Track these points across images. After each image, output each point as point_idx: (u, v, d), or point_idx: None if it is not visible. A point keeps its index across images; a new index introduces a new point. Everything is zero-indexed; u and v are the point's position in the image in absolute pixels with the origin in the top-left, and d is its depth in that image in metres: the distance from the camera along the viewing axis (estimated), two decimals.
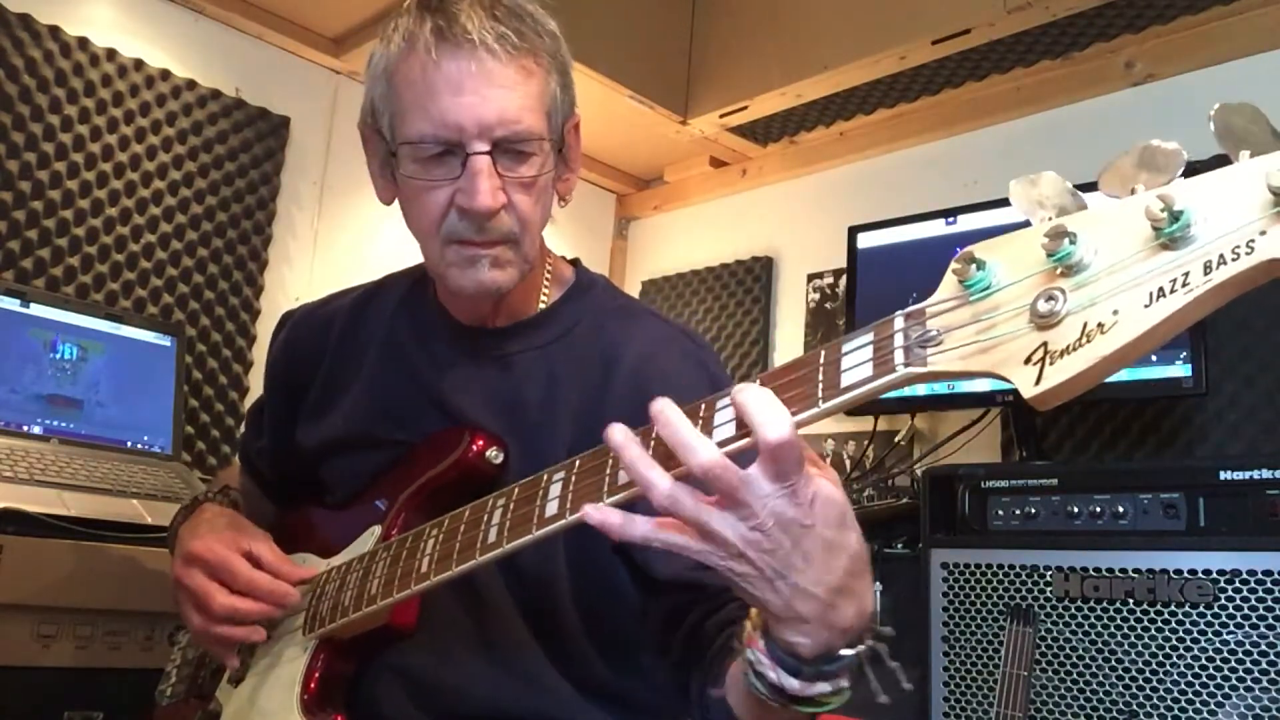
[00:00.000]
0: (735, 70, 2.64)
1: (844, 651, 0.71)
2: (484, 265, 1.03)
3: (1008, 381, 0.55)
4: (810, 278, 2.74)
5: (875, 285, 2.32)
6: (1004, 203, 2.27)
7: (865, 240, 2.36)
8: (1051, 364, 0.52)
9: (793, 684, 0.71)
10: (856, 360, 0.64)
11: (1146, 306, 0.50)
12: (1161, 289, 0.49)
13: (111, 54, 2.20)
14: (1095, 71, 2.27)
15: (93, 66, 2.17)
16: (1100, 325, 0.51)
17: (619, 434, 0.72)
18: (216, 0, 2.35)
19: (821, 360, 0.67)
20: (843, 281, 2.59)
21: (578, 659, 1.08)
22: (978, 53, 2.30)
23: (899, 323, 0.63)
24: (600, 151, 3.04)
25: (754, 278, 2.86)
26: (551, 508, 0.83)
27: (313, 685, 1.06)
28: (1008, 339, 0.55)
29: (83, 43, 2.16)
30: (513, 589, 1.07)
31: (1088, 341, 0.51)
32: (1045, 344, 0.53)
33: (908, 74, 2.42)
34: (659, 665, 1.15)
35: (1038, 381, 0.53)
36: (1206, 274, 0.48)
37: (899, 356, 0.62)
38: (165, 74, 2.28)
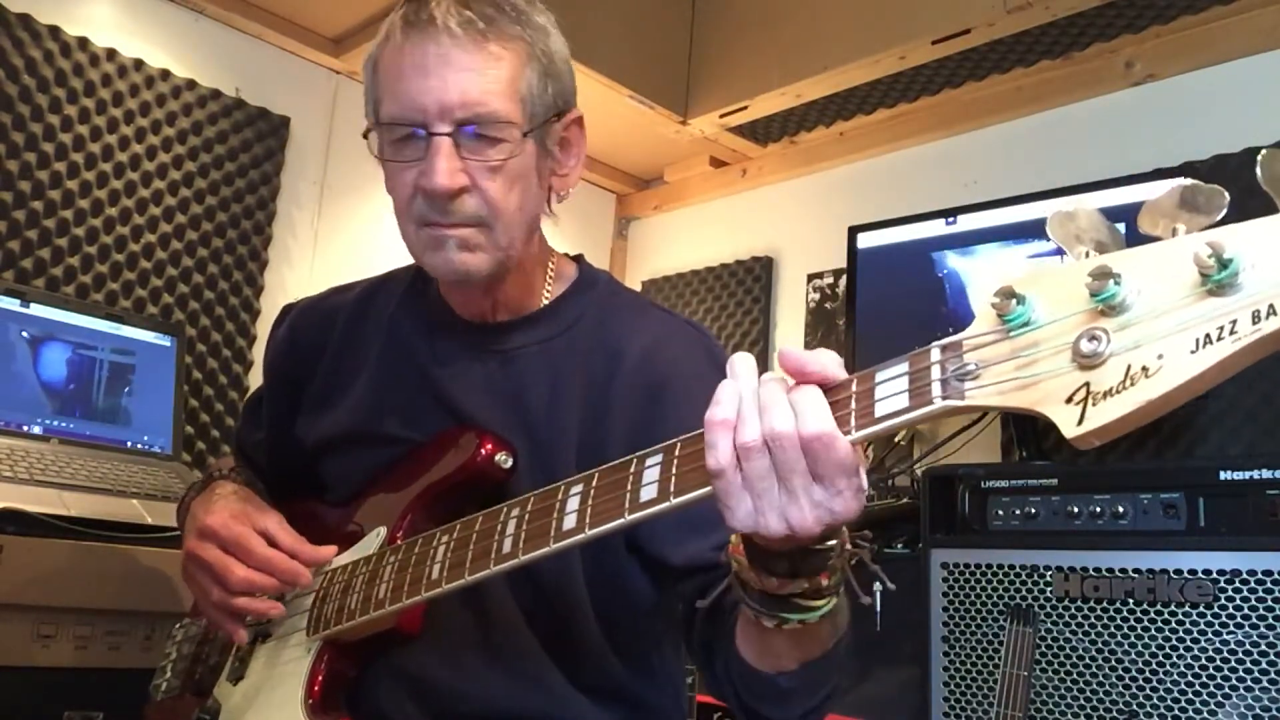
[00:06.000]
0: (735, 70, 2.64)
1: (821, 546, 0.71)
2: (450, 246, 1.03)
3: (1047, 419, 0.55)
4: (810, 278, 2.75)
5: (875, 285, 2.32)
6: (1004, 203, 2.27)
7: (865, 240, 2.36)
8: (1095, 405, 0.52)
9: (771, 582, 0.73)
10: (891, 390, 0.64)
11: (1193, 352, 0.50)
12: (1209, 335, 0.49)
13: (111, 54, 2.19)
14: (1095, 71, 2.28)
15: (93, 66, 2.15)
16: (1145, 369, 0.51)
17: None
18: (216, 0, 2.34)
19: (854, 388, 0.66)
20: (843, 281, 2.60)
21: (591, 661, 1.08)
22: (978, 53, 2.31)
23: (936, 354, 0.63)
24: (600, 151, 3.03)
25: (754, 278, 2.86)
26: (569, 521, 0.82)
27: (317, 688, 1.06)
28: (1048, 377, 0.55)
29: (83, 43, 2.14)
30: (519, 592, 1.07)
31: (1132, 385, 0.51)
32: (1088, 384, 0.53)
33: (908, 74, 2.42)
34: (668, 664, 1.15)
35: (1080, 421, 0.53)
36: (1255, 324, 0.48)
37: (936, 389, 0.61)
38: (165, 74, 2.27)
